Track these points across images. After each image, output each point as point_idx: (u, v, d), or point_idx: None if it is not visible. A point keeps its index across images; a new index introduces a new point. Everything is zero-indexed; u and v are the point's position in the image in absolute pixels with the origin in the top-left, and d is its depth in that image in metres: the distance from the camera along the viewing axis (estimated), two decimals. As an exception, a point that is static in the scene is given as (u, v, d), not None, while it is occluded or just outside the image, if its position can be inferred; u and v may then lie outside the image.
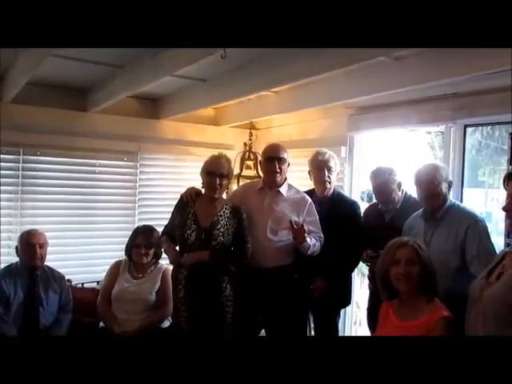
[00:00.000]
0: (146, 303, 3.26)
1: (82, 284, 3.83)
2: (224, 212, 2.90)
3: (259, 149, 4.46)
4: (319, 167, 3.28)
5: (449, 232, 2.59)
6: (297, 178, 3.56)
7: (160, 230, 3.17)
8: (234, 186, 4.22)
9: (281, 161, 3.04)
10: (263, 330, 3.15)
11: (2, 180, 3.84)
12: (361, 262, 3.25)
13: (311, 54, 2.61)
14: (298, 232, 2.84)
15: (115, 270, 3.40)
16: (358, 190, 4.03)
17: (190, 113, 4.27)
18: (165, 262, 3.31)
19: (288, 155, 3.08)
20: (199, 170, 2.96)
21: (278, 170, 3.03)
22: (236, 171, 4.43)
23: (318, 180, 3.29)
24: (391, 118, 3.54)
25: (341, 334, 3.73)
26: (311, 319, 3.40)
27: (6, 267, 3.28)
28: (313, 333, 3.40)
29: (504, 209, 1.96)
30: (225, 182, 2.90)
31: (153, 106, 4.48)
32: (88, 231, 4.23)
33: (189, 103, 4.01)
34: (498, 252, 2.24)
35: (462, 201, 3.16)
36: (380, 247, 2.40)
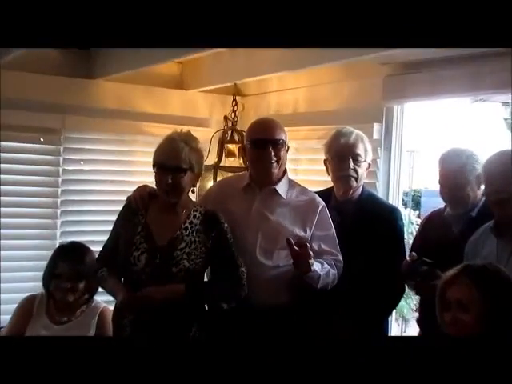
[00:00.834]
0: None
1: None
2: (191, 223, 2.90)
3: (247, 126, 4.41)
4: (341, 155, 3.28)
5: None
6: (304, 172, 3.54)
7: (95, 250, 3.15)
8: (210, 183, 4.19)
9: (277, 145, 3.04)
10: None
11: None
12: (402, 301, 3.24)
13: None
14: (300, 256, 2.83)
15: (26, 310, 3.39)
16: (398, 190, 4.04)
17: (141, 69, 4.25)
18: (103, 298, 3.31)
19: (286, 136, 3.11)
20: (154, 159, 2.98)
21: (274, 159, 3.04)
22: (211, 161, 4.41)
23: (339, 175, 3.30)
24: (451, 80, 3.52)
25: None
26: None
27: None
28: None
29: None
30: (185, 180, 2.86)
31: (84, 59, 4.47)
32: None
33: (140, 55, 3.95)
34: None
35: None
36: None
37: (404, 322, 3.62)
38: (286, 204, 3.08)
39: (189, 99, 4.82)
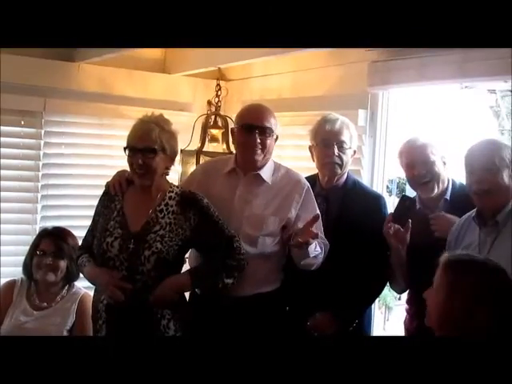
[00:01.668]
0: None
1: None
2: (167, 204, 2.88)
3: (231, 111, 4.41)
4: (326, 142, 3.28)
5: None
6: (289, 158, 3.54)
7: (77, 235, 3.15)
8: (193, 168, 4.18)
9: (264, 132, 3.05)
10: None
11: None
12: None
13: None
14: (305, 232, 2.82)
15: (6, 295, 3.42)
16: (383, 177, 4.05)
17: (124, 52, 4.22)
18: (84, 284, 3.32)
19: (276, 125, 3.11)
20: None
21: (259, 147, 3.04)
22: (194, 146, 4.40)
23: (324, 161, 3.30)
24: (437, 66, 3.51)
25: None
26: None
27: None
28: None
29: None
30: (156, 161, 2.83)
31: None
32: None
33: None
34: None
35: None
36: (424, 266, 2.38)
37: (387, 310, 3.62)
38: (270, 188, 3.09)
39: (172, 83, 4.80)
